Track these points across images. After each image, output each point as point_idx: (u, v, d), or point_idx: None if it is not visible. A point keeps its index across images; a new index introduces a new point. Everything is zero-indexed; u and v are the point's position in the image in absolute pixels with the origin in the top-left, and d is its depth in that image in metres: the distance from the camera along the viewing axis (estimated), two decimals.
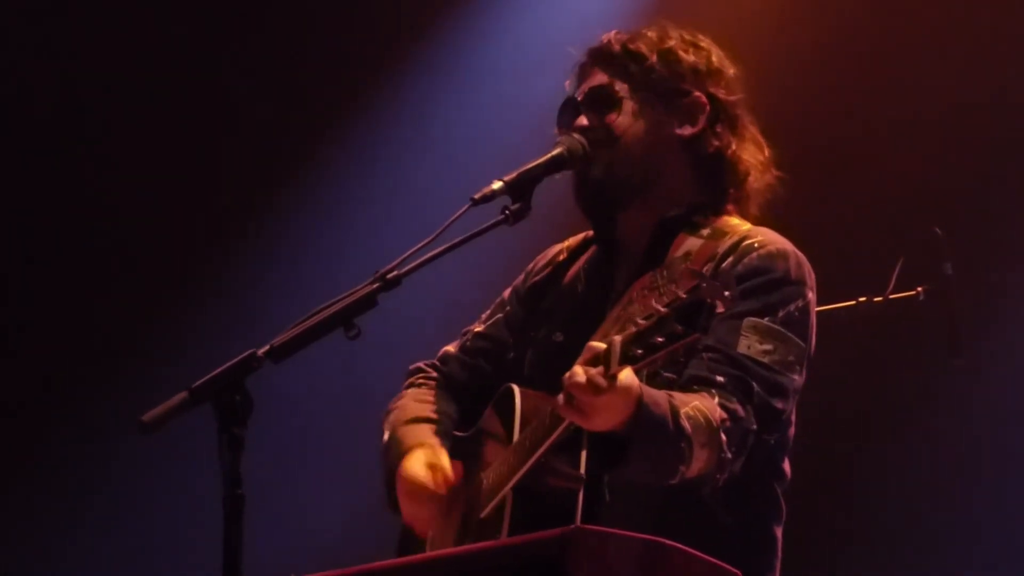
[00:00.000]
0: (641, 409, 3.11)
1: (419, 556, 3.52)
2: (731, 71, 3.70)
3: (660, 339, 2.92)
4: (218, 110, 6.62)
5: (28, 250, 6.56)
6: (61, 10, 6.51)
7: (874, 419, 6.33)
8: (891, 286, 5.36)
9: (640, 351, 2.95)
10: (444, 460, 3.61)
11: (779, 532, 3.55)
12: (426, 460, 3.61)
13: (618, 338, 2.97)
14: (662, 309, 2.92)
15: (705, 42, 3.71)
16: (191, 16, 6.60)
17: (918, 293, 5.39)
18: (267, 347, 3.00)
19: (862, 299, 5.38)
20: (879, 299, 5.38)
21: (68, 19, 6.49)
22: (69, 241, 6.57)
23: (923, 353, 5.87)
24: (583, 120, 3.61)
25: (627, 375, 3.04)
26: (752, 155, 3.66)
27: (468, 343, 3.88)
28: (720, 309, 2.89)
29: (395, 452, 3.69)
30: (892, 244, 5.47)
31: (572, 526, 2.99)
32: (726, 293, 2.91)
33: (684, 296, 2.91)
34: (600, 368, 3.01)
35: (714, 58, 3.69)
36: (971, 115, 6.24)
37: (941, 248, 5.37)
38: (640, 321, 2.95)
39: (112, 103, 6.55)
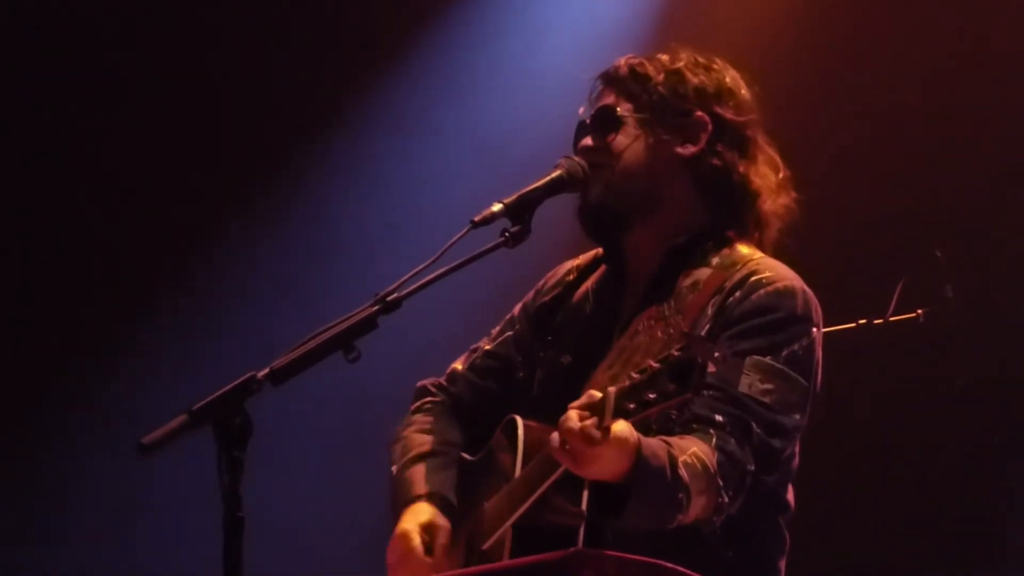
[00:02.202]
0: (640, 462, 3.11)
1: None
2: (744, 92, 3.68)
3: (652, 395, 2.96)
4: (216, 119, 6.59)
5: (27, 255, 6.55)
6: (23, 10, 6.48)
7: (875, 439, 6.32)
8: (891, 308, 5.37)
9: (632, 405, 2.98)
10: (441, 523, 3.62)
11: (782, 564, 3.55)
12: (421, 521, 3.63)
13: (612, 390, 2.99)
14: (655, 364, 2.95)
15: (719, 65, 3.70)
16: (185, 13, 6.59)
17: (918, 315, 5.40)
18: (267, 370, 3.01)
19: (863, 321, 5.39)
20: (879, 321, 5.38)
21: (37, 20, 6.47)
22: (70, 246, 6.56)
23: (923, 374, 5.87)
24: (587, 141, 3.63)
25: (622, 427, 3.05)
26: (764, 177, 3.64)
27: (477, 361, 3.87)
28: (711, 369, 2.91)
29: (400, 498, 3.71)
30: (893, 266, 5.48)
31: (573, 548, 3.01)
32: (716, 354, 2.93)
33: (676, 354, 2.93)
34: (595, 419, 3.03)
35: (726, 80, 3.67)
36: (974, 137, 6.24)
37: (941, 270, 5.38)
38: (634, 375, 2.98)
39: (107, 111, 6.54)
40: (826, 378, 3.55)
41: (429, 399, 3.91)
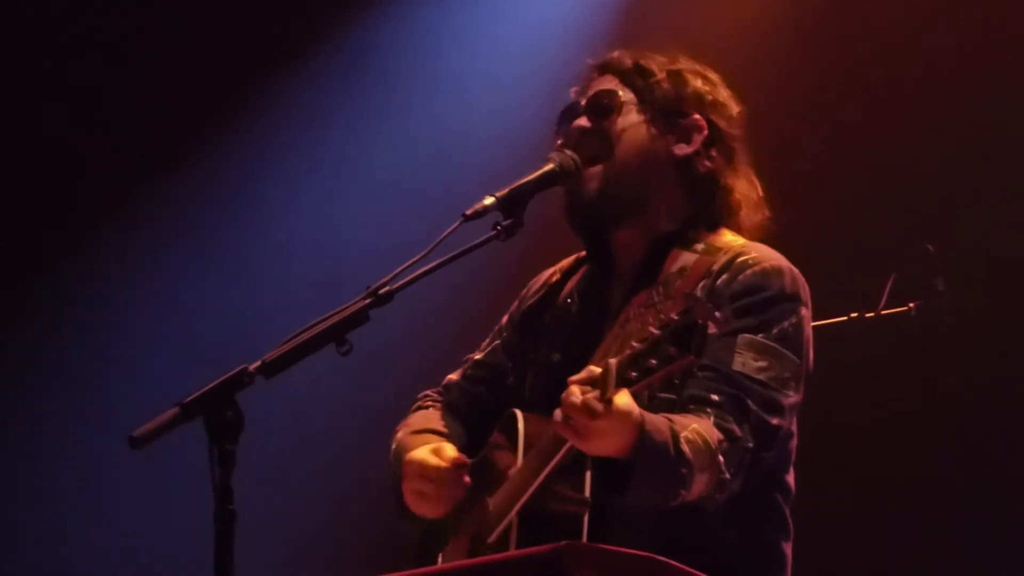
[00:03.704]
0: (644, 437, 3.12)
1: (418, 570, 3.52)
2: (735, 108, 3.73)
3: (654, 362, 2.98)
4: (195, 105, 6.59)
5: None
6: None
7: (867, 434, 6.33)
8: (883, 302, 5.38)
9: (635, 374, 3.00)
10: (448, 447, 3.63)
11: (787, 548, 3.55)
12: (431, 447, 3.63)
13: (613, 361, 3.01)
14: (656, 331, 2.97)
15: (714, 76, 3.75)
16: None
17: (910, 309, 5.40)
18: (259, 363, 3.00)
19: (854, 315, 5.39)
20: (871, 315, 5.39)
21: None
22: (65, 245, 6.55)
23: (915, 368, 5.87)
24: (583, 122, 3.63)
25: (624, 400, 3.06)
26: (745, 190, 3.68)
27: (468, 371, 3.90)
28: (712, 330, 2.93)
29: (401, 450, 3.71)
30: (884, 260, 5.48)
31: (566, 542, 3.01)
32: (717, 314, 2.96)
33: (676, 318, 2.95)
34: (596, 392, 3.03)
35: (720, 91, 3.72)
36: (964, 131, 6.25)
37: (933, 264, 5.38)
38: (635, 344, 2.99)
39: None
40: (823, 376, 3.56)
41: (429, 399, 3.95)
